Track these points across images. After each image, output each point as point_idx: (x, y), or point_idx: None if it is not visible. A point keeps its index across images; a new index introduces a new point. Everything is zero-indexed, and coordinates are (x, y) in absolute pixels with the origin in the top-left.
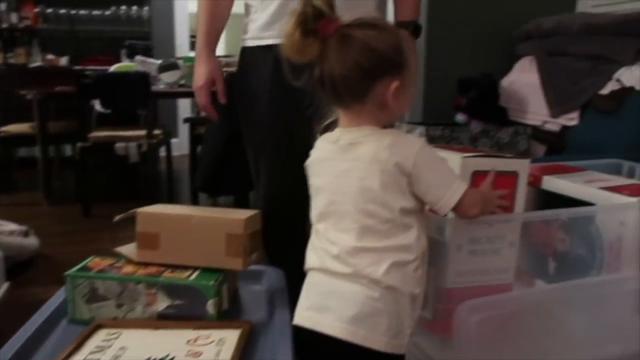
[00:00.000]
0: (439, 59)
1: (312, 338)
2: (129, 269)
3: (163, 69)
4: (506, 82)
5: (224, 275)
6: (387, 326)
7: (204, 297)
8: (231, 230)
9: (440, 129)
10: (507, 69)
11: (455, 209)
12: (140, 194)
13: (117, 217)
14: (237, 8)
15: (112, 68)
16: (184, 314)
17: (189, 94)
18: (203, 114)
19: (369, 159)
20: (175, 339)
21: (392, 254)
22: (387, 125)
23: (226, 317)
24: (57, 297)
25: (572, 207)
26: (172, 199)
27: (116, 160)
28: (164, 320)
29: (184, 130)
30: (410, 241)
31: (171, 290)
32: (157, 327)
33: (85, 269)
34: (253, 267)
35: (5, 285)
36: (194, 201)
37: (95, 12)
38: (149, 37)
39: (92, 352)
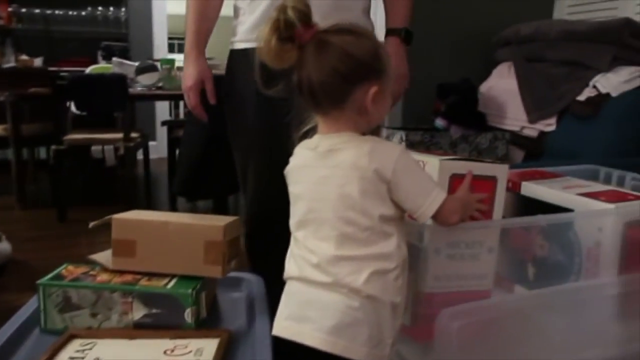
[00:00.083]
0: (418, 64)
1: (292, 348)
2: (104, 277)
3: (140, 71)
4: (485, 87)
5: (202, 283)
6: (368, 336)
7: (181, 306)
8: (210, 238)
9: (420, 134)
10: (485, 74)
11: (434, 217)
12: (117, 198)
13: (92, 224)
14: (223, 10)
15: (88, 70)
16: (161, 323)
17: (167, 97)
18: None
19: (348, 166)
20: (152, 349)
21: (372, 263)
22: (367, 131)
23: (204, 326)
24: (29, 306)
25: (550, 212)
26: (149, 203)
27: (92, 164)
28: (140, 329)
29: (162, 133)
30: (391, 249)
31: (148, 298)
32: (133, 337)
33: (58, 277)
34: (232, 274)
35: None
36: (172, 205)
37: (71, 13)
38: (126, 38)
39: None
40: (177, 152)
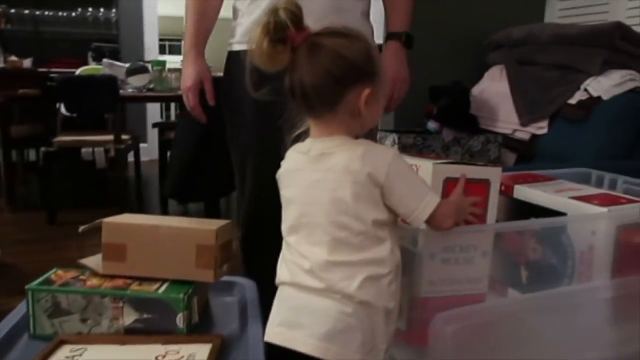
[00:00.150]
0: (411, 67)
1: (285, 355)
2: (94, 282)
3: (131, 72)
4: (477, 90)
5: (194, 287)
6: (361, 342)
7: (173, 311)
8: (202, 242)
9: (412, 137)
10: (478, 77)
11: (428, 221)
12: (108, 200)
13: (82, 228)
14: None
15: (79, 71)
16: (152, 328)
17: (158, 99)
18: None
19: (341, 170)
20: (144, 355)
21: (366, 268)
22: (361, 134)
23: (197, 331)
24: (19, 311)
25: (543, 216)
26: (141, 205)
27: (83, 166)
28: (131, 335)
29: (153, 135)
30: (384, 255)
31: (139, 304)
32: (124, 343)
33: (47, 282)
34: (225, 278)
35: None
36: (164, 208)
37: (61, 14)
38: (116, 40)
39: None
40: (169, 154)
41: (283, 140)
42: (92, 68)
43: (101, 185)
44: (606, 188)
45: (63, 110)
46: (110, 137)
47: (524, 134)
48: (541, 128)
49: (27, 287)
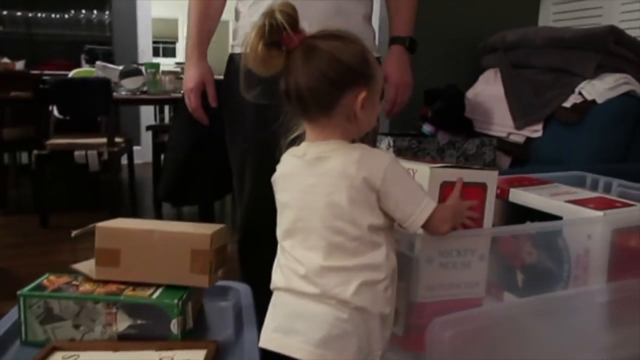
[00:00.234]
0: None
1: None
2: (87, 287)
3: (125, 75)
4: (471, 93)
5: (189, 292)
6: (357, 348)
7: (167, 317)
8: (196, 246)
9: (407, 140)
10: (472, 80)
11: (425, 226)
12: (101, 203)
13: (75, 233)
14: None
15: (71, 73)
16: (146, 334)
17: (152, 101)
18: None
19: (337, 174)
20: None
21: (361, 274)
22: (357, 138)
23: (191, 336)
24: (10, 317)
25: (538, 219)
26: (134, 208)
27: (75, 169)
28: (124, 341)
29: (146, 137)
30: (380, 260)
31: (132, 309)
32: (117, 349)
33: (39, 287)
34: (219, 283)
35: None
36: (157, 211)
37: (54, 15)
38: (110, 42)
39: None
40: (163, 157)
41: (274, 144)
42: (85, 70)
43: (94, 188)
44: (601, 191)
45: (55, 112)
46: (103, 140)
47: (518, 137)
48: (535, 131)
49: (18, 292)
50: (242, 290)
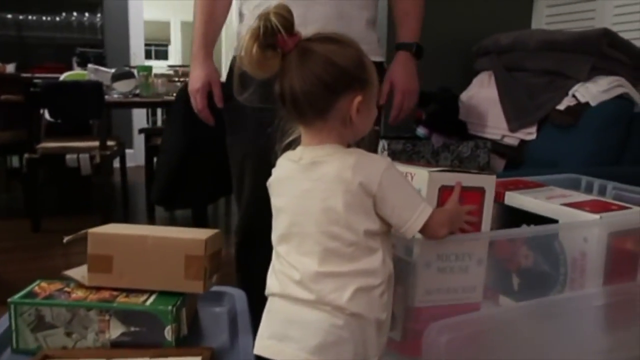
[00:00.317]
0: None
1: None
2: (79, 294)
3: (117, 77)
4: (465, 96)
5: (183, 299)
6: (353, 355)
7: (161, 323)
8: (191, 252)
9: (402, 142)
10: (466, 83)
11: (422, 231)
12: (93, 207)
13: (67, 238)
14: (192, 16)
15: (63, 76)
16: (139, 341)
17: (144, 104)
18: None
19: (332, 179)
20: None
21: (357, 279)
22: (352, 143)
23: (185, 343)
24: (1, 324)
25: (534, 222)
26: (126, 212)
27: (67, 173)
28: (118, 349)
29: (139, 140)
30: (376, 265)
31: (126, 316)
32: (110, 357)
33: (30, 295)
34: (214, 288)
35: None
36: (150, 214)
37: (45, 18)
38: (101, 44)
39: None
40: (155, 160)
41: (273, 148)
42: (76, 73)
43: (86, 191)
44: (595, 194)
45: (47, 115)
46: (95, 143)
47: (512, 140)
48: (529, 134)
49: (9, 300)
50: (237, 295)
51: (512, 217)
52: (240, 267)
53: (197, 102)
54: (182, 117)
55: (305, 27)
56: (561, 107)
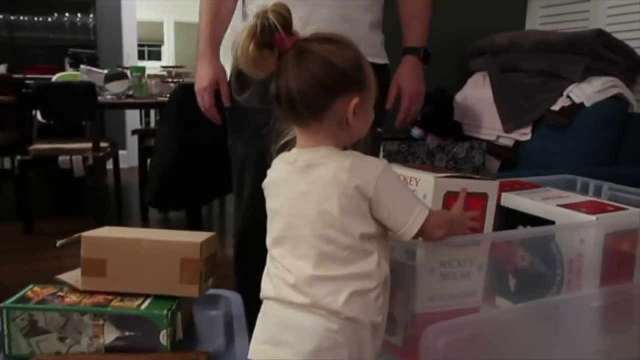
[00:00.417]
0: (394, 73)
1: None
2: (73, 298)
3: (110, 79)
4: (460, 97)
5: (178, 303)
6: (348, 359)
7: (156, 328)
8: (186, 255)
9: (397, 144)
10: (461, 84)
11: (419, 234)
12: (86, 209)
13: (60, 242)
14: (185, 17)
15: (55, 77)
16: (134, 346)
17: (138, 105)
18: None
19: (328, 182)
20: None
21: (352, 283)
22: (349, 145)
23: (181, 348)
24: None
25: (530, 223)
26: (120, 214)
27: (60, 174)
28: (112, 354)
29: (132, 142)
30: (371, 269)
31: (120, 321)
32: None
33: (23, 300)
34: (210, 291)
35: None
36: (144, 216)
37: (37, 19)
38: (94, 45)
39: None
40: (149, 161)
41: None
42: (69, 74)
43: (79, 193)
44: (591, 195)
45: (39, 117)
46: (89, 145)
47: (507, 141)
48: (525, 134)
49: (1, 305)
50: (233, 298)
51: (508, 219)
52: (239, 269)
53: (204, 101)
54: (176, 118)
55: (309, 28)
56: (556, 107)
